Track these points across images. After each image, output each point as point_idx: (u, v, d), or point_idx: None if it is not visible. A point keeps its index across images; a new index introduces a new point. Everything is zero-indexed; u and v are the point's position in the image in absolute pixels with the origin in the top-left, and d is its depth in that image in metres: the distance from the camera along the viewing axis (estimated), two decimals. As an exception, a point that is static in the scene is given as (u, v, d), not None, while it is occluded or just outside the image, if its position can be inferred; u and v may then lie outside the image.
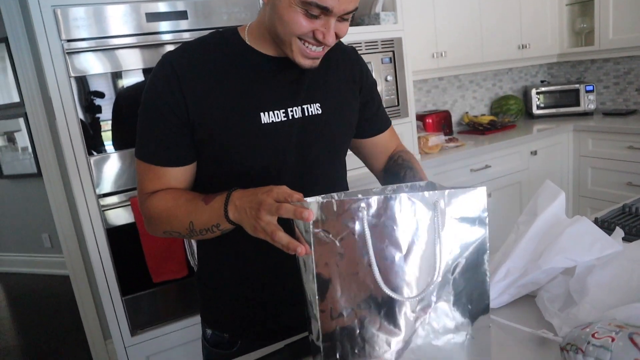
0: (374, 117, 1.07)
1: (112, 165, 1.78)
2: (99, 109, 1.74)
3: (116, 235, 1.82)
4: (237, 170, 0.89)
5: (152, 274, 1.85)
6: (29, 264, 4.14)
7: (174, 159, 0.88)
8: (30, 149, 3.74)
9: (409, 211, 0.65)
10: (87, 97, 1.71)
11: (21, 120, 3.69)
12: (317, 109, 0.92)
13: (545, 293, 0.89)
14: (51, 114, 2.33)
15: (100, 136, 1.76)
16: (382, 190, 0.79)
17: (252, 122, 0.86)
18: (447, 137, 2.85)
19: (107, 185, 1.79)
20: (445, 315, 0.70)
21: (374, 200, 0.63)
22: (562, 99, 3.32)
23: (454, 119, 3.32)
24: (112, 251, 1.82)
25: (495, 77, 3.56)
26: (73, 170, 1.73)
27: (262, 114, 0.87)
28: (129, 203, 1.81)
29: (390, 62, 2.33)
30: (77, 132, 1.70)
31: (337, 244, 0.63)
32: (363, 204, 0.63)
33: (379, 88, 2.31)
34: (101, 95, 1.74)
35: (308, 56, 0.83)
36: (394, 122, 2.42)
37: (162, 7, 1.78)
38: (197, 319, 1.15)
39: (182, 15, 1.81)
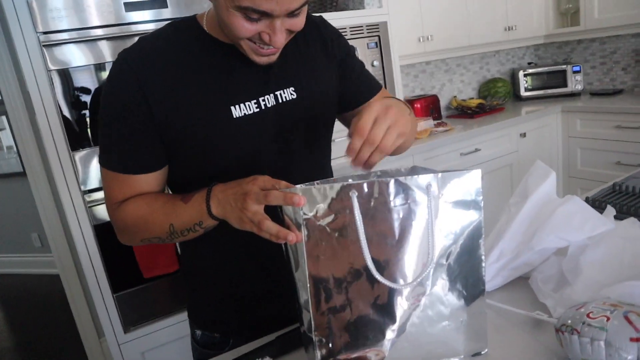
0: (356, 86, 0.98)
1: (97, 161, 1.75)
2: (82, 103, 1.70)
3: (104, 232, 1.79)
4: (214, 169, 0.84)
5: (142, 269, 1.83)
6: (19, 265, 4.09)
7: (142, 166, 0.82)
8: (15, 148, 3.67)
9: (402, 195, 0.63)
10: (70, 92, 1.67)
11: (4, 119, 3.62)
12: (291, 94, 0.87)
13: (539, 274, 0.88)
14: (32, 110, 2.28)
15: (85, 131, 1.72)
16: (367, 175, 0.77)
17: (224, 117, 0.81)
18: (436, 122, 2.84)
19: (93, 180, 1.75)
20: (440, 302, 0.68)
21: (365, 185, 0.62)
22: (549, 81, 3.32)
23: (442, 103, 3.30)
24: (101, 248, 1.80)
25: (482, 60, 3.54)
26: (57, 167, 1.69)
27: (232, 107, 0.81)
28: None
29: (376, 47, 2.31)
30: (58, 127, 1.66)
31: (328, 230, 0.61)
32: (354, 189, 0.61)
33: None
34: (83, 89, 1.70)
35: (262, 54, 0.77)
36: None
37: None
38: (190, 313, 1.13)
39: (161, 4, 1.77)
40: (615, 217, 0.95)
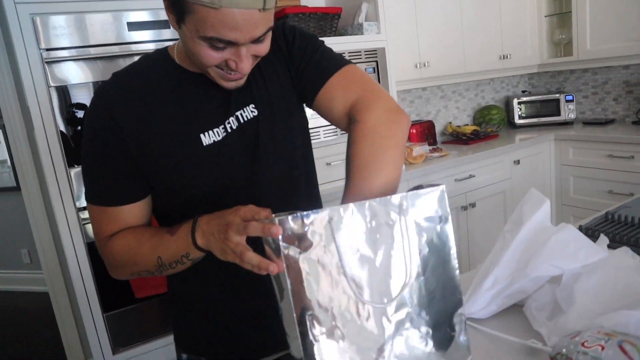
0: (307, 77, 0.89)
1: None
2: (79, 120, 1.71)
3: (96, 250, 1.77)
4: (190, 196, 0.84)
5: (134, 289, 1.81)
6: (7, 281, 4.02)
7: (125, 196, 0.83)
8: (9, 162, 3.65)
9: (377, 217, 0.65)
10: (67, 108, 1.68)
11: (-1, 133, 3.62)
12: (251, 111, 0.86)
13: (533, 302, 0.88)
14: (30, 125, 2.29)
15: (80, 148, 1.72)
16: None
17: (194, 146, 0.82)
18: (431, 147, 2.87)
19: (87, 198, 1.75)
20: (423, 316, 0.69)
21: (341, 210, 0.63)
22: (543, 109, 3.37)
23: (438, 129, 3.34)
24: (93, 266, 1.78)
25: (477, 88, 3.60)
26: (52, 182, 1.69)
27: (202, 135, 0.82)
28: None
29: (374, 72, 2.34)
30: (56, 142, 1.67)
31: (309, 258, 0.62)
32: (330, 215, 0.63)
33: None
34: (80, 105, 1.71)
35: (229, 79, 0.78)
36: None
37: (144, 17, 1.76)
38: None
39: (164, 24, 1.80)
40: (609, 246, 0.96)
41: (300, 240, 0.62)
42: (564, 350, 0.64)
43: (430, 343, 0.70)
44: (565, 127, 3.25)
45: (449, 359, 0.71)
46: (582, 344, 0.62)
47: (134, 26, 1.74)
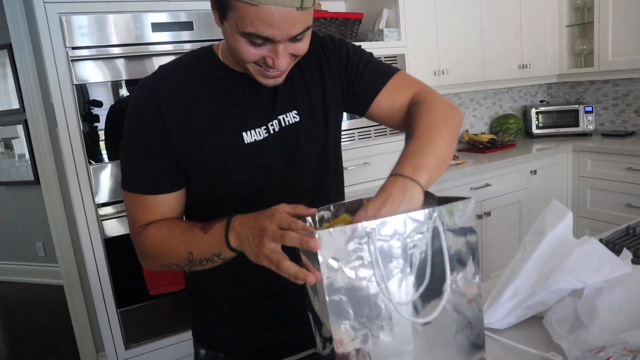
0: (362, 86, 0.93)
1: (110, 175, 1.77)
2: (97, 118, 1.74)
3: (113, 246, 1.80)
4: (226, 192, 0.86)
5: (148, 286, 1.82)
6: (21, 273, 4.08)
7: (162, 185, 0.84)
8: (27, 156, 3.72)
9: (413, 229, 0.65)
10: (86, 106, 1.70)
11: (19, 127, 3.68)
12: (294, 117, 0.89)
13: (553, 314, 0.87)
14: (52, 121, 2.32)
15: (99, 145, 1.75)
16: None
17: (236, 143, 0.84)
18: (447, 154, 2.85)
19: (105, 194, 1.77)
20: (449, 324, 0.70)
21: (379, 224, 0.63)
22: (561, 119, 3.34)
23: (454, 136, 3.32)
24: (109, 262, 1.80)
25: (495, 96, 3.58)
26: (73, 178, 1.71)
27: (244, 133, 0.85)
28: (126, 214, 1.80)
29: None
30: (78, 140, 1.69)
31: (347, 269, 0.62)
32: (369, 229, 0.62)
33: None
34: (100, 104, 1.73)
35: (268, 77, 0.79)
36: (395, 138, 2.44)
37: (168, 18, 1.79)
38: (194, 333, 1.12)
39: (187, 26, 1.82)
40: (632, 261, 0.95)
41: (339, 252, 0.61)
42: (588, 365, 0.64)
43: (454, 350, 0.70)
44: (584, 139, 3.21)
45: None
46: (607, 360, 0.62)
47: (157, 27, 1.77)
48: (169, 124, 0.81)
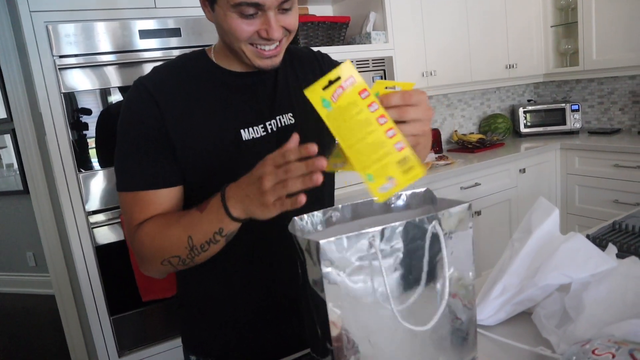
0: None
1: (100, 182, 1.77)
2: (86, 126, 1.73)
3: (105, 254, 1.79)
4: (220, 190, 0.86)
5: (141, 292, 1.82)
6: (12, 284, 4.04)
7: (160, 180, 0.83)
8: (15, 166, 3.68)
9: (414, 235, 0.65)
10: (74, 114, 1.70)
11: (7, 137, 3.64)
12: (289, 119, 0.91)
13: (542, 310, 0.88)
14: (40, 130, 2.31)
15: (88, 153, 1.74)
16: (384, 209, 0.78)
17: (233, 139, 0.85)
18: (437, 155, 2.88)
19: (95, 202, 1.76)
20: (443, 326, 0.71)
21: (381, 230, 0.63)
22: (548, 118, 3.38)
23: (443, 137, 3.35)
24: (101, 270, 1.79)
25: (483, 96, 3.61)
26: (62, 187, 1.71)
27: (242, 131, 0.86)
28: (118, 220, 1.79)
29: (381, 80, 2.36)
30: (67, 148, 1.69)
31: (349, 278, 0.62)
32: (372, 236, 0.62)
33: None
34: (88, 112, 1.73)
35: (264, 56, 0.80)
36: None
37: (156, 25, 1.79)
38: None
39: (175, 32, 1.82)
40: (617, 256, 0.97)
41: (341, 261, 0.61)
42: (574, 357, 0.65)
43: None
44: (571, 137, 3.25)
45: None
46: (593, 352, 0.63)
47: (145, 34, 1.77)
48: (167, 119, 0.82)
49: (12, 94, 2.34)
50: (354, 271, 0.62)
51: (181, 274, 0.99)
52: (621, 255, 1.04)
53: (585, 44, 3.07)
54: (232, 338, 0.95)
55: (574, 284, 0.88)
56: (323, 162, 0.60)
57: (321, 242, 0.59)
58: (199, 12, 0.87)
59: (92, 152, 1.75)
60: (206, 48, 0.91)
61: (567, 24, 3.32)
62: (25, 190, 3.59)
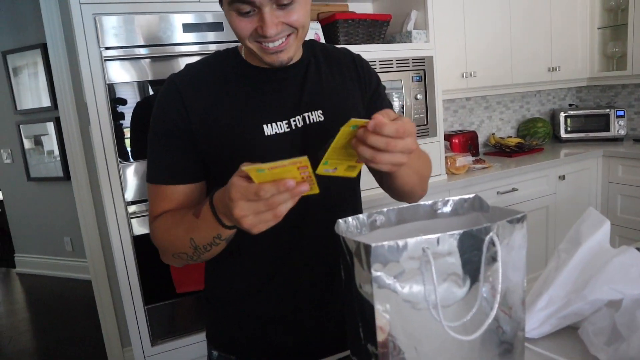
0: (379, 108, 0.93)
1: (138, 173, 1.80)
2: (120, 115, 1.76)
3: (143, 243, 1.82)
4: None
5: (175, 284, 1.85)
6: (49, 267, 4.19)
7: (180, 175, 0.86)
8: (56, 153, 3.81)
9: (470, 245, 0.63)
10: (115, 106, 1.73)
11: (50, 125, 3.77)
12: (319, 116, 0.90)
13: (590, 325, 0.85)
14: (83, 119, 2.38)
15: (125, 144, 1.78)
16: (431, 205, 0.76)
17: (256, 134, 0.85)
18: (474, 158, 2.82)
19: (136, 193, 1.80)
20: (497, 342, 0.68)
21: (436, 239, 0.61)
22: (590, 124, 3.27)
23: (480, 139, 3.28)
24: (138, 259, 1.83)
25: (522, 99, 3.52)
26: (104, 176, 1.75)
27: (265, 125, 0.86)
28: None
29: (421, 80, 2.32)
30: (110, 138, 1.72)
31: (399, 284, 0.61)
32: (425, 244, 0.60)
33: (407, 105, 2.30)
34: (121, 101, 1.76)
35: (269, 52, 0.80)
36: (421, 141, 2.42)
37: (196, 19, 1.81)
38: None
39: (217, 26, 1.83)
40: (672, 273, 0.92)
41: (392, 267, 0.60)
42: (630, 379, 0.62)
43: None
44: (615, 144, 3.13)
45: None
46: (651, 375, 0.60)
47: (189, 28, 1.79)
48: (192, 115, 0.84)
49: (58, 83, 2.42)
50: (405, 277, 0.60)
51: (209, 269, 1.00)
52: (676, 272, 0.99)
53: (635, 47, 2.94)
54: (255, 336, 0.95)
55: (626, 300, 0.84)
56: (305, 187, 0.60)
57: (373, 245, 0.58)
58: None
59: (127, 143, 1.78)
60: (239, 46, 0.92)
61: (615, 26, 3.19)
62: (66, 177, 3.71)
